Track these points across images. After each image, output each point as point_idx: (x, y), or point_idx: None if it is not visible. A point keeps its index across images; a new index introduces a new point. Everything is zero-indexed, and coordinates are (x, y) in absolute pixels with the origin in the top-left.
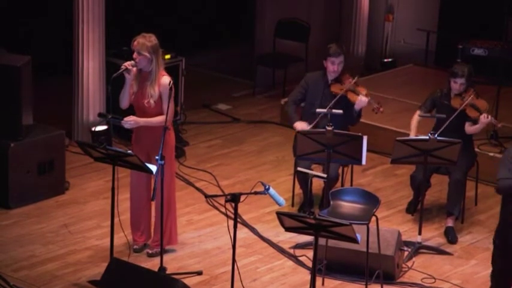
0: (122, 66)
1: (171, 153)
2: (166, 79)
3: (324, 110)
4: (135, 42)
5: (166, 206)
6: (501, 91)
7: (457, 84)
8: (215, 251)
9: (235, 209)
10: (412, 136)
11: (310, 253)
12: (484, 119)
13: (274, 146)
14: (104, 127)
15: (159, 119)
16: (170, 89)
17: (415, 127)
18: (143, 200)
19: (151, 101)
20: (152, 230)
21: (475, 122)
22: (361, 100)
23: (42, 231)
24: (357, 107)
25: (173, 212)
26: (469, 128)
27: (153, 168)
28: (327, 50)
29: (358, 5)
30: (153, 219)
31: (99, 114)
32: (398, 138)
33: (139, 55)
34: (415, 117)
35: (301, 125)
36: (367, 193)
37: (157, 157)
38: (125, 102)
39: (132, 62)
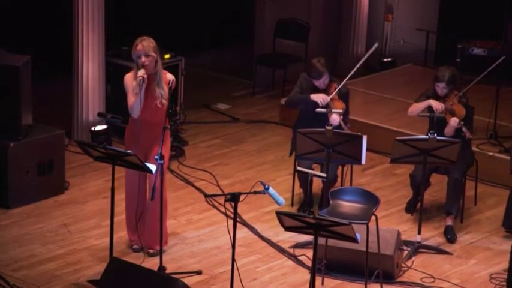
0: (139, 77)
1: (167, 152)
2: (171, 75)
3: (324, 110)
4: (140, 46)
5: (164, 205)
6: (500, 91)
7: (439, 88)
8: (214, 251)
9: (235, 208)
10: (423, 104)
11: (309, 253)
12: (453, 122)
13: (273, 146)
14: (104, 127)
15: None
16: (170, 88)
17: (419, 105)
18: (140, 201)
19: (163, 101)
20: (148, 230)
21: None
22: (331, 121)
23: (41, 231)
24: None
25: (166, 212)
26: (445, 130)
27: (152, 167)
28: (309, 71)
29: (358, 5)
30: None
31: (99, 114)
32: (397, 138)
33: (147, 57)
34: (414, 105)
35: (318, 96)
36: (367, 193)
37: (156, 156)
38: (139, 110)
39: (142, 70)
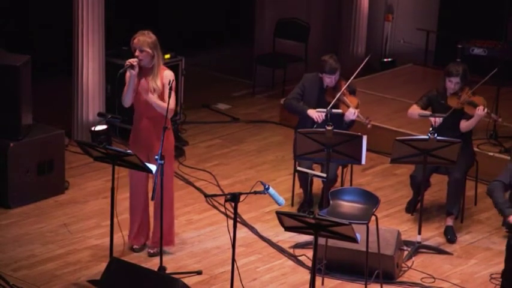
0: (127, 63)
1: (171, 152)
2: (169, 72)
3: (324, 110)
4: (135, 40)
5: (167, 205)
6: (500, 91)
7: (452, 83)
8: (215, 251)
9: (235, 208)
10: (425, 112)
11: (309, 253)
12: (480, 111)
13: (273, 146)
14: (104, 127)
15: (163, 104)
16: (170, 88)
17: (419, 111)
18: (142, 200)
19: (155, 95)
20: (151, 230)
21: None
22: (348, 115)
23: (41, 231)
24: (346, 118)
25: (173, 212)
26: (463, 124)
27: (153, 167)
28: (322, 66)
29: (358, 5)
30: (151, 219)
31: (99, 114)
32: (397, 138)
33: (141, 52)
34: (414, 107)
35: (317, 114)
36: (367, 193)
37: (156, 156)
38: (129, 100)
39: (135, 59)
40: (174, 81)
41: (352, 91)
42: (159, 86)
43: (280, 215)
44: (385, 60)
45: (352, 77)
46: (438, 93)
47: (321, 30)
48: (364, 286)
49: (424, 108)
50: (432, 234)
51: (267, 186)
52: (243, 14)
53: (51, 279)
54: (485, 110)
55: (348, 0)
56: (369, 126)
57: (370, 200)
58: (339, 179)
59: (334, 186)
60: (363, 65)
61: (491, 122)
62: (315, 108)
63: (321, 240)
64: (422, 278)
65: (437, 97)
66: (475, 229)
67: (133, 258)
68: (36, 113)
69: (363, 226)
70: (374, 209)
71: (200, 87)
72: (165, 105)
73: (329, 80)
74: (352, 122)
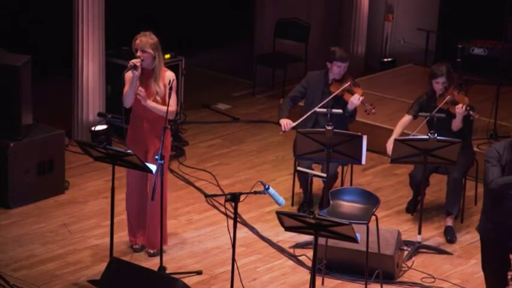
0: (130, 63)
1: (169, 152)
2: (170, 73)
3: (324, 110)
4: (138, 41)
5: (164, 205)
6: (500, 91)
7: (439, 84)
8: (215, 251)
9: (235, 208)
10: (394, 137)
11: (309, 253)
12: (458, 109)
13: (273, 146)
14: (104, 126)
15: (163, 108)
16: (170, 88)
17: (400, 128)
18: (141, 199)
19: (158, 98)
20: (148, 230)
21: None
22: (353, 100)
23: (41, 231)
24: (349, 106)
25: (166, 212)
26: (453, 124)
27: (153, 167)
28: (332, 54)
29: (358, 5)
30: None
31: (99, 114)
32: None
33: (143, 53)
34: (404, 120)
35: (285, 122)
36: (367, 193)
37: (156, 157)
38: (130, 100)
39: (138, 59)
40: (175, 81)
41: (356, 84)
42: (162, 89)
43: (280, 215)
44: (385, 60)
45: (340, 90)
46: (428, 97)
47: (321, 30)
48: (364, 286)
49: (416, 115)
50: (432, 234)
51: (267, 186)
52: (243, 14)
53: (51, 279)
54: (463, 107)
55: (348, 0)
56: (373, 111)
57: (370, 200)
58: (339, 179)
59: (334, 185)
60: (349, 84)
61: (491, 122)
62: (319, 103)
63: (321, 240)
64: (423, 278)
65: (427, 101)
66: (475, 229)
67: (133, 258)
68: (36, 113)
69: (363, 226)
70: (374, 209)
71: (200, 87)
72: (165, 108)
73: (338, 69)
74: (355, 111)
